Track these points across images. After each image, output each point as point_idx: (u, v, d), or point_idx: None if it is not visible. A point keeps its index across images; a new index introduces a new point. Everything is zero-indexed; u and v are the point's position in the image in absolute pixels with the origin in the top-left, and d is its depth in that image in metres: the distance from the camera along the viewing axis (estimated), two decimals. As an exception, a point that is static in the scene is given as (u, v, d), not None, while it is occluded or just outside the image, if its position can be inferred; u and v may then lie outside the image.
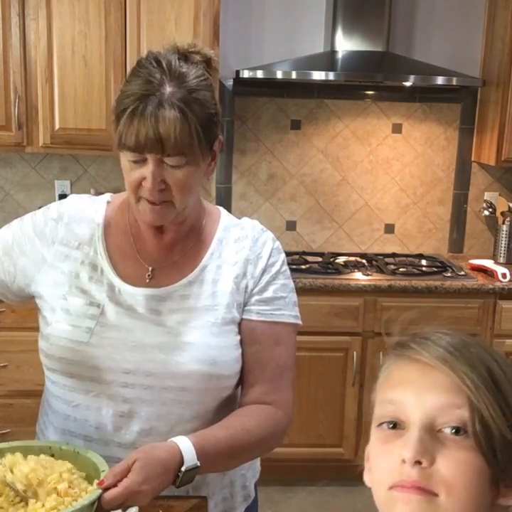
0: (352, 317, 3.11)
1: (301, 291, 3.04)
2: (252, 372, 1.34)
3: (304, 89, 3.45)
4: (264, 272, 1.36)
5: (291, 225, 3.62)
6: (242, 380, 1.36)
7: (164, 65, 1.23)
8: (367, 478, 0.89)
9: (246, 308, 1.35)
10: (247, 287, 1.35)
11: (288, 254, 3.45)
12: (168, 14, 2.98)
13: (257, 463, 1.51)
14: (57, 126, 3.02)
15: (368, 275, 3.18)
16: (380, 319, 3.12)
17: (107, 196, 1.42)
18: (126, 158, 1.24)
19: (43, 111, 3.01)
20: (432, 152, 3.58)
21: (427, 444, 0.76)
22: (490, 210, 3.59)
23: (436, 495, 0.75)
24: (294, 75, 3.11)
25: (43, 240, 1.35)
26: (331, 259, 3.44)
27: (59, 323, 1.31)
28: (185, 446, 1.17)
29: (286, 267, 1.41)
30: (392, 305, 3.10)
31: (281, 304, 1.37)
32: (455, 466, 0.75)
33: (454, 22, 3.44)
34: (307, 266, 3.30)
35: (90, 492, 1.09)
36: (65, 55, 2.97)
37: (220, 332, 1.31)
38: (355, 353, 3.11)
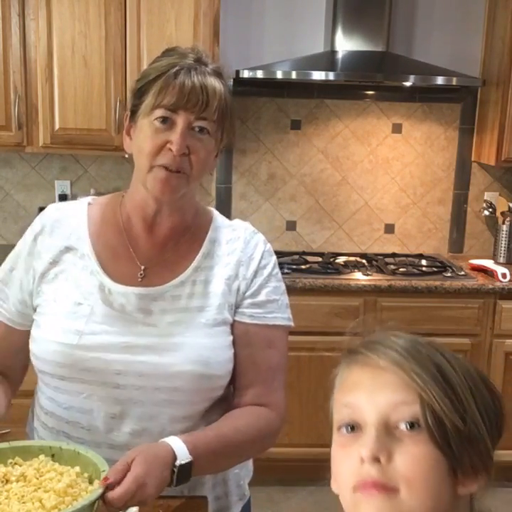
0: (352, 317, 3.11)
1: (301, 291, 3.07)
2: (245, 375, 1.35)
3: (304, 89, 3.45)
4: (256, 273, 1.36)
5: (291, 225, 3.62)
6: (235, 383, 1.37)
7: (196, 51, 1.29)
8: (333, 485, 0.93)
9: (239, 310, 1.35)
10: (239, 289, 1.35)
11: (288, 254, 3.46)
12: (168, 14, 2.98)
13: (249, 462, 1.52)
14: (57, 126, 3.02)
15: (367, 275, 3.18)
16: (380, 319, 3.11)
17: (88, 198, 1.42)
18: (152, 119, 1.24)
19: (43, 111, 3.01)
20: (432, 152, 3.58)
21: (384, 440, 0.79)
22: (490, 210, 3.59)
23: (397, 491, 0.77)
24: (294, 75, 3.11)
25: (33, 254, 1.35)
26: (331, 259, 3.44)
27: (48, 325, 1.31)
28: (177, 444, 1.17)
29: (277, 270, 1.42)
30: (392, 305, 3.10)
31: (274, 306, 1.39)
32: (412, 460, 0.78)
33: (454, 22, 3.44)
34: (307, 266, 3.30)
35: (91, 492, 1.09)
36: (65, 55, 2.97)
37: (212, 333, 1.31)
38: (355, 353, 3.11)
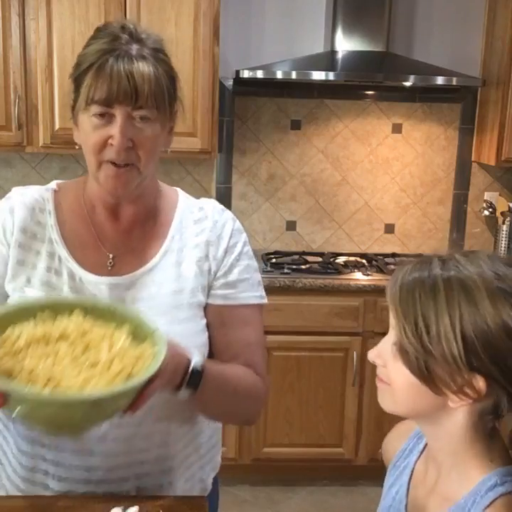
0: (352, 317, 3.11)
1: (301, 291, 3.07)
2: (224, 353, 1.33)
3: (304, 89, 3.45)
4: (226, 253, 1.34)
5: (291, 225, 3.62)
6: None
7: (129, 28, 1.23)
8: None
9: (211, 292, 1.33)
10: (210, 270, 1.33)
11: (288, 254, 3.47)
12: (168, 14, 2.98)
13: (217, 456, 1.48)
14: (57, 126, 3.02)
15: (367, 275, 3.18)
16: (380, 319, 3.12)
17: (52, 184, 1.37)
18: (90, 115, 1.20)
19: (43, 111, 3.01)
20: (432, 152, 3.58)
21: (382, 352, 1.02)
22: (490, 210, 3.59)
23: (388, 384, 1.01)
24: (294, 75, 3.11)
25: (5, 237, 1.29)
26: (331, 259, 3.44)
27: None
28: (194, 353, 1.17)
29: (248, 247, 1.39)
30: (392, 305, 3.10)
31: (246, 285, 1.35)
32: (393, 374, 1.00)
33: (454, 22, 3.44)
34: (307, 266, 3.30)
35: (150, 355, 1.05)
36: (65, 55, 2.97)
37: (185, 318, 1.29)
38: (355, 353, 3.11)
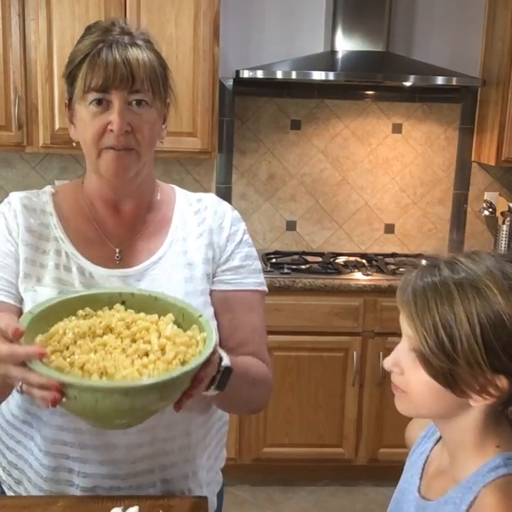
0: (352, 317, 3.11)
1: (301, 291, 3.07)
2: (230, 340, 1.33)
3: (304, 89, 3.45)
4: (228, 240, 1.37)
5: (291, 225, 3.62)
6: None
7: (119, 24, 1.26)
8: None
9: (215, 278, 1.35)
10: (214, 257, 1.35)
11: (288, 254, 3.47)
12: (168, 14, 2.98)
13: (224, 448, 1.49)
14: (57, 126, 3.02)
15: (368, 275, 3.18)
16: (380, 319, 3.12)
17: (49, 188, 1.39)
18: (87, 104, 1.23)
19: (43, 111, 3.01)
20: (432, 152, 3.58)
21: (398, 359, 1.05)
22: (490, 210, 3.59)
23: (405, 392, 1.04)
24: (294, 75, 3.11)
25: (12, 236, 1.29)
26: (331, 259, 3.44)
27: None
28: (221, 350, 1.16)
29: (247, 236, 1.42)
30: (392, 305, 3.08)
31: (248, 271, 1.38)
32: (412, 379, 1.02)
33: (454, 22, 3.44)
34: (307, 266, 3.30)
35: (201, 339, 1.05)
36: (65, 55, 2.91)
37: (198, 305, 1.27)
38: (355, 353, 3.11)
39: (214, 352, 1.06)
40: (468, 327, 0.93)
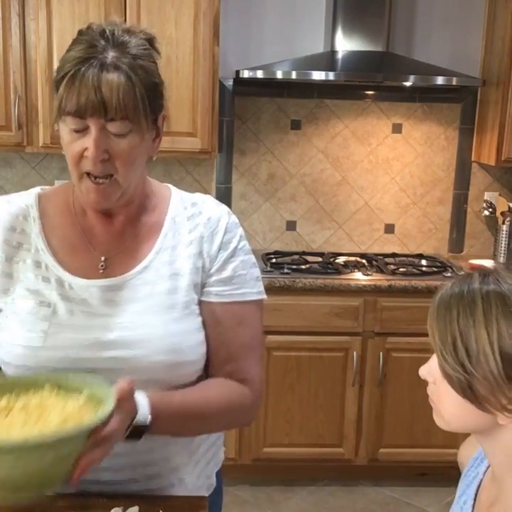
0: (352, 317, 3.11)
1: (301, 291, 3.07)
2: (216, 354, 1.31)
3: (304, 89, 3.45)
4: (220, 249, 1.31)
5: (291, 225, 3.62)
6: (208, 363, 1.33)
7: (107, 33, 1.18)
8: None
9: (205, 289, 1.30)
10: (204, 267, 1.30)
11: (288, 254, 3.47)
12: (168, 14, 2.98)
13: (219, 451, 1.47)
14: (57, 126, 3.01)
15: (368, 275, 3.18)
16: (380, 319, 3.12)
17: (37, 189, 1.35)
18: (67, 127, 1.19)
19: (43, 111, 3.01)
20: (432, 152, 3.58)
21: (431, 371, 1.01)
22: (490, 210, 3.59)
23: (439, 409, 1.01)
24: (294, 75, 3.11)
25: None
26: (331, 259, 3.44)
27: (11, 329, 1.25)
28: (141, 402, 1.14)
29: (244, 242, 1.35)
30: (392, 305, 3.10)
31: (241, 281, 1.32)
32: (439, 395, 1.00)
33: (454, 22, 3.44)
34: (307, 266, 3.30)
35: (89, 421, 1.05)
36: (65, 55, 2.97)
37: (181, 317, 1.27)
38: (355, 353, 3.11)
39: (104, 420, 1.03)
40: (487, 339, 0.90)
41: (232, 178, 3.54)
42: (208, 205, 1.35)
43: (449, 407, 0.98)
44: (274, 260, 3.35)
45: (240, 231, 1.35)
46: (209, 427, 1.32)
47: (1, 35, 2.94)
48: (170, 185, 1.40)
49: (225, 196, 3.53)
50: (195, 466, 1.37)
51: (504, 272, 0.95)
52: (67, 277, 1.27)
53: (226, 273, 1.31)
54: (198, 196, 1.38)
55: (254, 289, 1.33)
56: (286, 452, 3.21)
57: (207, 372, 1.34)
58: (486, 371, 0.90)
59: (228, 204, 3.53)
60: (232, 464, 3.08)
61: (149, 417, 1.14)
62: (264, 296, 1.36)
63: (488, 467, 1.08)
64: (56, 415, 1.06)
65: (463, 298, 0.94)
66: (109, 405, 1.05)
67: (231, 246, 1.32)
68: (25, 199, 1.32)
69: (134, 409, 1.12)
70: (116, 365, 1.23)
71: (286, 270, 3.15)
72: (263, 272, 3.07)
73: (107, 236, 1.30)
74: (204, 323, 1.31)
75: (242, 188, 3.56)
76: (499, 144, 3.28)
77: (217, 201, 1.38)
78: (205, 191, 3.49)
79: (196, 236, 1.31)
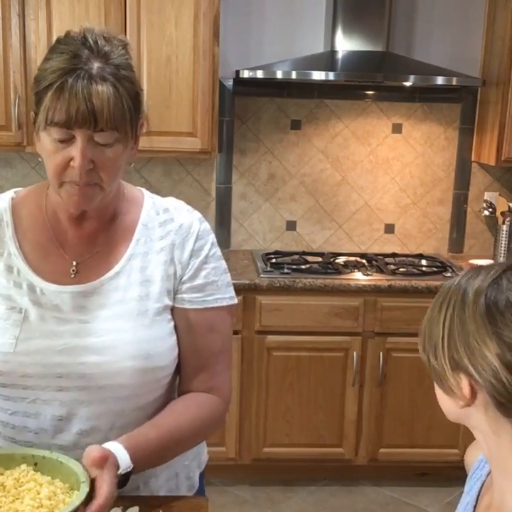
0: (352, 317, 3.11)
1: (301, 291, 3.07)
2: (188, 362, 1.33)
3: (304, 89, 3.45)
4: (191, 256, 1.32)
5: (291, 225, 3.62)
6: (179, 370, 1.34)
7: (90, 42, 1.18)
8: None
9: (177, 296, 1.31)
10: (175, 274, 1.31)
11: (288, 254, 3.46)
12: (168, 14, 2.98)
13: (202, 454, 1.48)
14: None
15: (368, 275, 3.18)
16: (380, 319, 3.12)
17: (11, 193, 1.36)
18: (51, 137, 1.18)
19: (43, 111, 3.01)
20: (432, 152, 3.58)
21: None
22: (490, 210, 3.59)
23: None
24: (294, 75, 3.11)
25: None
26: (331, 259, 3.44)
27: None
28: (120, 452, 1.15)
29: (216, 249, 1.36)
30: (392, 305, 3.10)
31: (214, 288, 1.33)
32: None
33: (454, 22, 3.44)
34: (307, 266, 3.30)
35: (68, 504, 1.05)
36: (65, 55, 2.96)
37: (151, 323, 1.28)
38: (355, 353, 3.11)
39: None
40: (441, 325, 0.96)
41: (232, 178, 3.54)
42: (180, 211, 1.35)
43: (437, 395, 1.02)
44: (274, 260, 3.35)
45: (212, 238, 1.36)
46: (185, 449, 1.34)
47: (1, 35, 2.94)
48: (142, 189, 1.40)
49: (225, 196, 3.54)
50: (166, 469, 1.36)
51: (484, 272, 0.98)
52: (39, 283, 1.27)
53: (198, 280, 1.32)
54: (171, 202, 1.38)
55: (226, 295, 1.35)
56: (286, 452, 3.21)
57: (178, 375, 1.36)
58: (440, 357, 0.96)
59: (228, 204, 3.53)
60: (232, 464, 3.07)
61: (132, 465, 1.15)
62: (235, 301, 1.38)
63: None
64: (31, 500, 1.06)
65: (444, 291, 1.01)
66: (83, 489, 1.06)
67: (202, 253, 1.33)
68: (0, 202, 1.33)
69: (115, 468, 1.12)
70: (87, 371, 1.24)
71: (286, 270, 3.15)
72: (263, 271, 3.08)
73: (79, 240, 1.30)
74: (177, 329, 1.32)
75: (242, 188, 3.56)
76: (499, 144, 3.28)
77: (190, 207, 1.38)
78: (205, 191, 3.49)
79: (167, 243, 1.31)
